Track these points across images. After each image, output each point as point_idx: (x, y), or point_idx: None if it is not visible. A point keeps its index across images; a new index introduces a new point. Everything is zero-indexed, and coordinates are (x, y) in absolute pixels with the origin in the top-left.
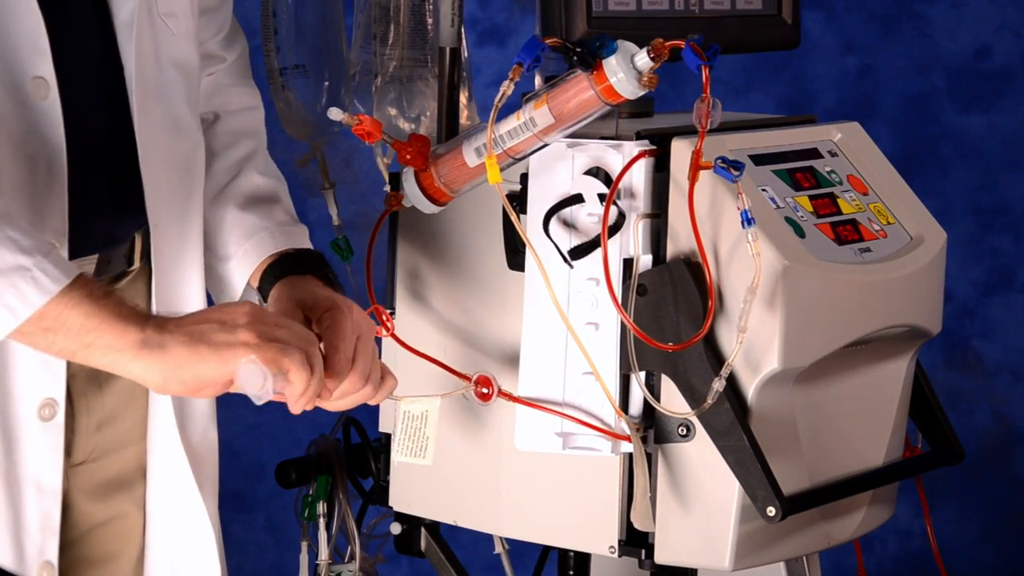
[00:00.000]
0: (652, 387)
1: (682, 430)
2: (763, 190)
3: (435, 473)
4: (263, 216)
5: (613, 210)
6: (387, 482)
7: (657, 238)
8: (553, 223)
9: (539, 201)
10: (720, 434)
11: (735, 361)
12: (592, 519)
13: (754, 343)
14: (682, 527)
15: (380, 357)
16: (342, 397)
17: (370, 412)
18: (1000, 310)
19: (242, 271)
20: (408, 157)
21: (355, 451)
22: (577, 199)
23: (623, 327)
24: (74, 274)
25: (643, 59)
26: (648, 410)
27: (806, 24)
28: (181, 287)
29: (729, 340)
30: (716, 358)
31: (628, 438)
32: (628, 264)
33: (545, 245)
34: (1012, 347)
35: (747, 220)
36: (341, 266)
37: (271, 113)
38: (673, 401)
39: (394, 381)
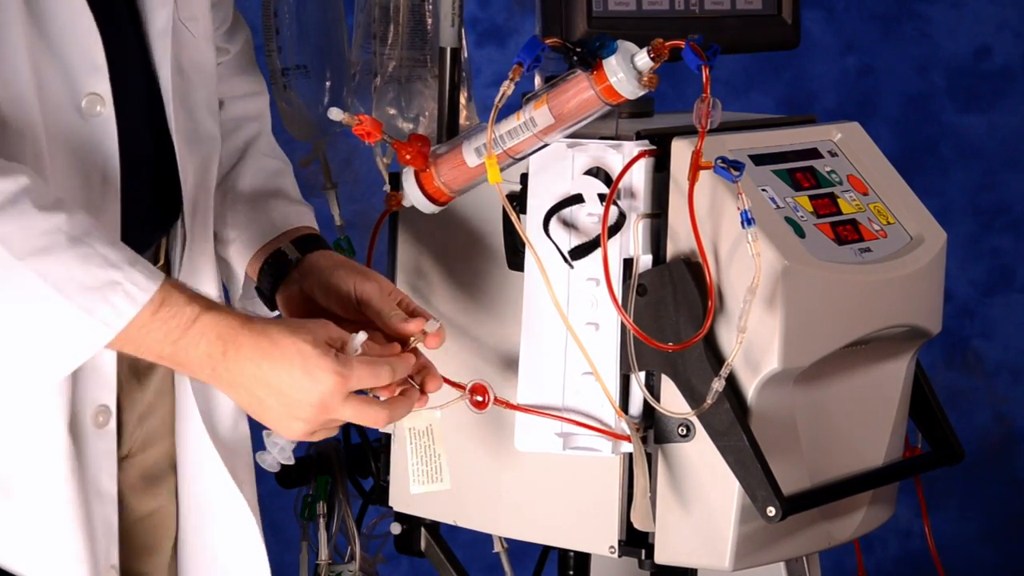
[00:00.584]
0: (652, 387)
1: (682, 430)
2: (763, 190)
3: None
4: (266, 200)
5: (613, 210)
6: (387, 482)
7: (657, 238)
8: (553, 223)
9: (539, 201)
10: (720, 434)
11: (735, 361)
12: (592, 519)
13: (754, 343)
14: (682, 527)
15: None
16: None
17: None
18: (1000, 310)
19: (241, 256)
20: (408, 157)
21: (355, 451)
22: (577, 199)
23: (623, 327)
24: (160, 279)
25: (643, 59)
26: (648, 410)
27: (806, 24)
28: (200, 282)
29: (729, 340)
30: (716, 358)
31: (628, 438)
32: (628, 264)
33: (545, 245)
34: (1012, 347)
35: (747, 220)
36: None
37: (273, 113)
38: (673, 401)
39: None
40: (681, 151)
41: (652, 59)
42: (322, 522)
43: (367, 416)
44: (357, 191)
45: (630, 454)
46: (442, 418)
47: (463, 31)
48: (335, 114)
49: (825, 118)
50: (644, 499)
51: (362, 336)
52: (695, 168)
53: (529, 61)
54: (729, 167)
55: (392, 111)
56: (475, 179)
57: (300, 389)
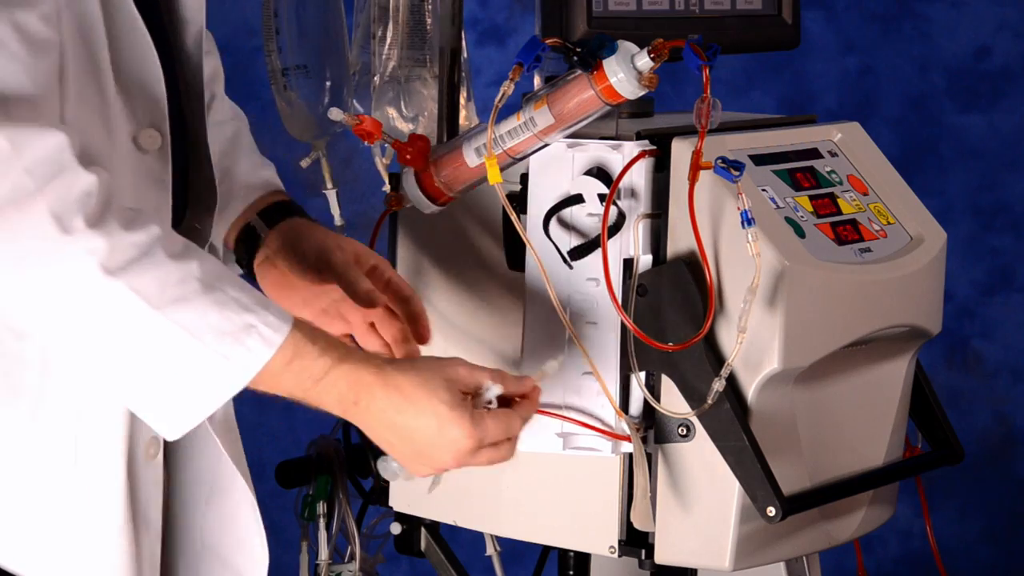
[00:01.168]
0: (652, 387)
1: (682, 430)
2: (763, 190)
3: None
4: (229, 173)
5: (613, 210)
6: (387, 482)
7: (657, 238)
8: (553, 223)
9: (539, 201)
10: (720, 434)
11: (735, 361)
12: (592, 519)
13: (754, 343)
14: (682, 527)
15: None
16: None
17: None
18: (1000, 310)
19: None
20: (408, 157)
21: (355, 451)
22: (577, 199)
23: (623, 327)
24: (290, 321)
25: (643, 59)
26: (648, 410)
27: (806, 24)
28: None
29: (729, 340)
30: (716, 358)
31: (628, 438)
32: (628, 264)
33: (545, 245)
34: (1012, 347)
35: (747, 220)
36: None
37: (273, 113)
38: (673, 401)
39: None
40: (681, 151)
41: (652, 59)
42: (322, 522)
43: (498, 460)
44: (357, 191)
45: (630, 454)
46: None
47: (463, 31)
48: (335, 114)
49: (825, 118)
50: (644, 499)
51: (497, 389)
52: (695, 168)
53: (529, 61)
54: (729, 167)
55: (392, 111)
56: (475, 179)
57: (434, 447)
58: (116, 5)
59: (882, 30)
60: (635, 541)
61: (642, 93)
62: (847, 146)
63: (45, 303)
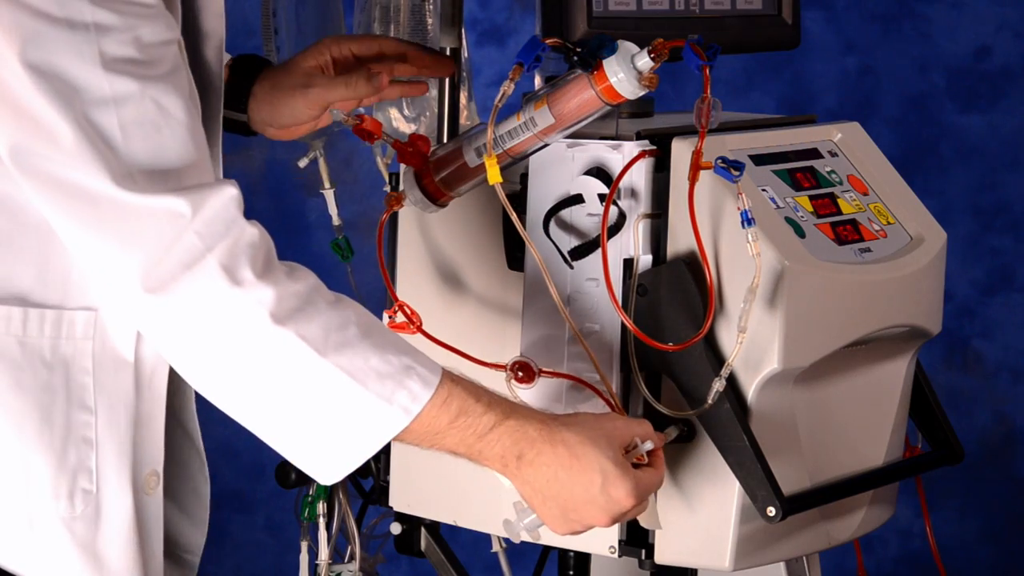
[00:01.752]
0: (652, 387)
1: (682, 430)
2: (763, 190)
3: (435, 473)
4: None
5: (613, 210)
6: (387, 482)
7: (657, 238)
8: (553, 223)
9: (539, 201)
10: (720, 434)
11: (735, 361)
12: None
13: (754, 343)
14: (682, 527)
15: None
16: None
17: None
18: (1000, 310)
19: None
20: (408, 157)
21: None
22: (577, 199)
23: (623, 327)
24: (439, 367)
25: (643, 59)
26: (648, 410)
27: (806, 24)
28: None
29: (729, 340)
30: (716, 358)
31: None
32: (628, 264)
33: (545, 245)
34: (1012, 347)
35: (747, 220)
36: (342, 266)
37: None
38: (673, 401)
39: None
40: (681, 151)
41: (652, 59)
42: (322, 522)
43: (634, 516)
44: (357, 191)
45: None
46: None
47: (463, 31)
48: (336, 114)
49: (825, 118)
50: (650, 499)
51: (649, 445)
52: (695, 168)
53: (529, 61)
54: (729, 167)
55: (393, 111)
56: (475, 179)
57: (592, 504)
58: None
59: (882, 30)
60: (635, 541)
61: (642, 93)
62: (847, 146)
63: (215, 353)
